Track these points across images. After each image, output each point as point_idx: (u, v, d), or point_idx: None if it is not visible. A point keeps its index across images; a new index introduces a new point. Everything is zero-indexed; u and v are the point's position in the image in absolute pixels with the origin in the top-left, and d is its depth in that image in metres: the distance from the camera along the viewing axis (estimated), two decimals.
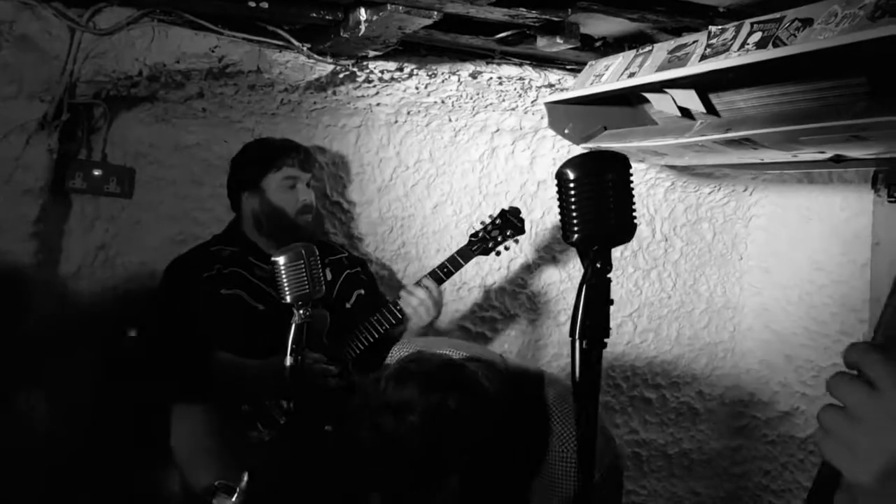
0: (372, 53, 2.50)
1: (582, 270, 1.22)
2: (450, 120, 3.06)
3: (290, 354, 1.71)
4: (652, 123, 2.67)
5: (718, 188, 3.51)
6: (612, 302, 1.22)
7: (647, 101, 2.57)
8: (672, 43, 2.29)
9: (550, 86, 2.83)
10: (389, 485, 1.49)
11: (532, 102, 2.95)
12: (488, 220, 2.70)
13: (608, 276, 1.21)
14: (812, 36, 1.83)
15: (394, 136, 3.08)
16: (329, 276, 2.64)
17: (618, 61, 2.47)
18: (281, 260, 1.72)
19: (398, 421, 1.45)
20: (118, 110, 2.69)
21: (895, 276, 0.89)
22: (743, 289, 3.68)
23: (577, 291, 1.21)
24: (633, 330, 3.56)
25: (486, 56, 2.72)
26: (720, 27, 2.12)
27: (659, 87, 2.33)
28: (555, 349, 3.40)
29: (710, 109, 2.36)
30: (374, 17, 2.12)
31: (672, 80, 2.22)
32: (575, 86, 2.65)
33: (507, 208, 2.73)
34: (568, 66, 2.79)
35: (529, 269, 3.36)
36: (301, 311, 1.72)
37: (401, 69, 2.66)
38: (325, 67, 2.58)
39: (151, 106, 2.72)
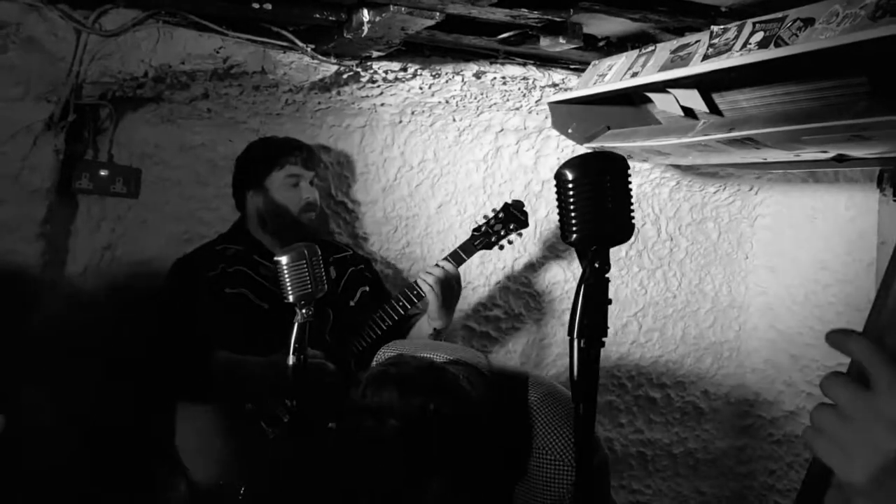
0: (376, 54, 2.52)
1: (578, 268, 1.24)
2: (454, 120, 3.07)
3: (293, 353, 1.73)
4: (655, 123, 2.68)
5: (724, 187, 3.51)
6: (610, 301, 1.23)
7: (650, 100, 2.58)
8: (675, 43, 2.29)
9: (554, 85, 2.84)
10: (373, 487, 1.48)
11: (536, 102, 2.96)
12: (491, 214, 2.69)
13: (606, 275, 1.22)
14: (813, 36, 1.83)
15: (398, 136, 3.09)
16: (333, 274, 2.65)
17: (621, 61, 2.48)
18: (283, 259, 1.73)
19: (379, 424, 1.44)
20: (124, 111, 2.71)
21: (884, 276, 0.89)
22: (748, 288, 3.68)
23: (575, 291, 1.22)
24: (638, 329, 3.56)
25: (490, 56, 2.73)
26: (722, 27, 2.13)
27: (662, 86, 2.34)
28: (559, 348, 3.41)
29: (714, 109, 2.36)
30: (377, 18, 2.13)
31: (675, 79, 2.23)
32: (578, 86, 2.66)
33: (509, 202, 2.71)
34: (572, 66, 2.80)
35: (534, 268, 3.37)
36: (303, 311, 1.74)
37: (405, 69, 2.67)
38: (329, 68, 2.59)
39: (157, 107, 2.73)
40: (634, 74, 2.36)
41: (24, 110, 2.46)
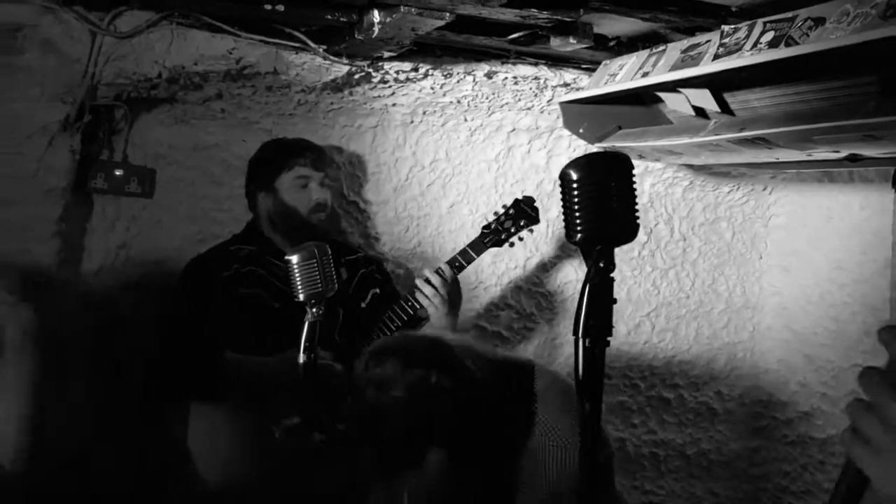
0: (387, 54, 2.53)
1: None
2: (465, 120, 3.07)
3: (303, 352, 1.74)
4: (666, 123, 2.67)
5: (737, 187, 3.50)
6: (615, 301, 1.23)
7: (661, 100, 2.57)
8: (685, 42, 2.29)
9: (566, 85, 2.84)
10: (377, 457, 1.52)
11: (548, 102, 2.96)
12: (501, 211, 2.68)
13: (611, 275, 1.22)
14: (824, 35, 1.83)
15: (410, 136, 3.10)
16: (345, 276, 2.66)
17: (632, 61, 2.48)
18: (294, 259, 1.75)
19: (381, 395, 1.48)
20: (138, 112, 2.74)
21: None
22: (762, 288, 3.66)
23: (580, 290, 1.22)
24: (651, 330, 3.56)
25: (502, 56, 2.73)
26: (733, 27, 2.12)
27: (673, 86, 2.34)
28: (571, 348, 3.39)
29: (725, 108, 2.35)
30: (388, 19, 2.15)
31: (686, 79, 2.23)
32: (589, 85, 2.66)
33: (520, 197, 2.70)
34: (583, 66, 2.80)
35: (545, 267, 3.37)
36: (314, 310, 1.75)
37: (416, 69, 2.68)
38: (340, 68, 2.60)
39: (171, 107, 2.76)
40: (645, 74, 2.36)
41: (41, 111, 2.49)
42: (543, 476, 1.64)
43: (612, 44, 2.55)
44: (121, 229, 2.83)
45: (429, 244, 3.21)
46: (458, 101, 2.93)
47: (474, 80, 2.78)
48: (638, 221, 1.23)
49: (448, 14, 2.06)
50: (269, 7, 2.24)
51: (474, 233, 2.73)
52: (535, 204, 2.70)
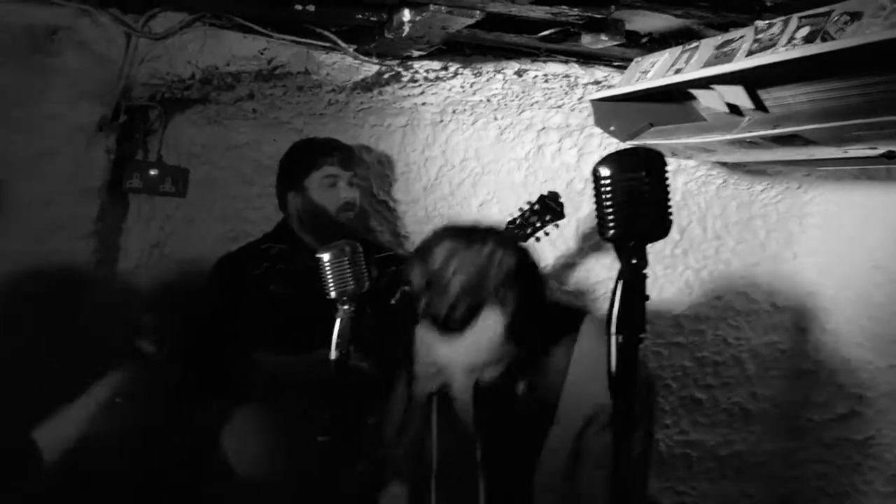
0: (417, 53, 2.53)
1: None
2: (495, 118, 3.07)
3: (335, 350, 1.75)
4: (699, 120, 2.64)
5: (772, 185, 3.45)
6: (648, 297, 1.23)
7: (693, 97, 2.55)
8: (718, 38, 2.26)
9: (597, 83, 2.83)
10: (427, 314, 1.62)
11: (579, 100, 2.94)
12: (526, 206, 2.68)
13: (644, 271, 1.23)
14: (861, 30, 1.80)
15: (439, 135, 3.11)
16: (374, 273, 2.66)
17: (664, 57, 2.45)
18: (325, 256, 1.75)
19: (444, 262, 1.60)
20: (172, 112, 2.77)
21: None
22: (797, 288, 3.61)
23: (613, 287, 1.23)
24: (683, 330, 3.52)
25: (532, 54, 2.72)
26: (767, 22, 2.09)
27: (706, 83, 2.31)
28: None
29: (759, 105, 2.32)
30: (418, 18, 2.15)
31: (719, 75, 2.20)
32: (621, 83, 2.64)
33: (545, 193, 2.69)
34: (614, 63, 2.78)
35: (576, 267, 3.35)
36: (345, 307, 1.76)
37: (446, 68, 2.68)
38: (370, 68, 2.61)
39: (204, 108, 2.79)
40: (678, 71, 2.34)
41: (77, 112, 2.53)
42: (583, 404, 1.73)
43: (643, 41, 2.52)
44: (155, 228, 2.87)
45: None
46: (488, 100, 2.93)
47: (504, 78, 2.77)
48: (671, 218, 1.23)
49: (478, 12, 2.06)
50: (299, 7, 2.26)
51: None
52: (560, 199, 2.69)
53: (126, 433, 2.74)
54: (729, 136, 2.35)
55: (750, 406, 3.61)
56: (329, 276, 1.76)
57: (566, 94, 2.90)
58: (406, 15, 2.17)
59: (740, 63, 2.10)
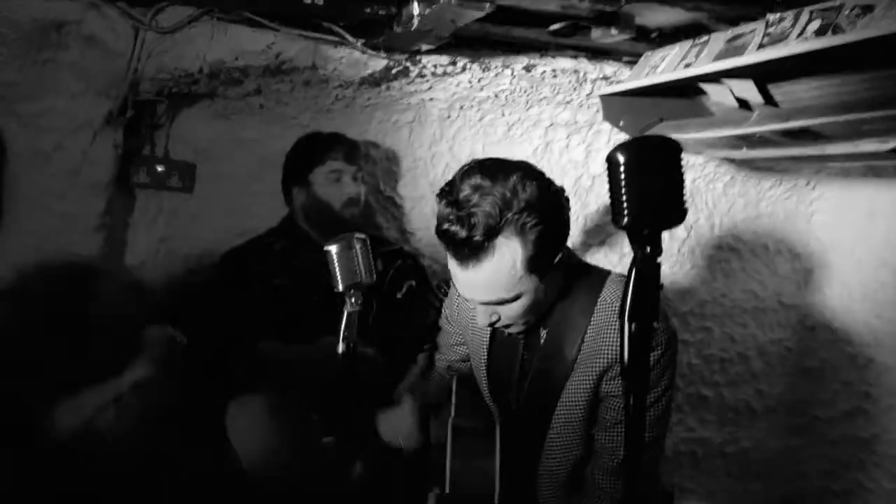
0: (425, 47, 2.52)
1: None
2: (503, 114, 3.06)
3: (342, 341, 1.75)
4: (709, 115, 2.64)
5: (779, 183, 3.44)
6: (662, 286, 1.25)
7: (703, 92, 2.54)
8: (729, 32, 2.26)
9: (605, 78, 2.82)
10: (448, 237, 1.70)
11: (587, 96, 2.93)
12: None
13: (657, 260, 1.24)
14: (872, 23, 1.79)
15: (446, 131, 3.10)
16: (380, 267, 2.67)
17: (674, 52, 2.45)
18: (333, 248, 1.75)
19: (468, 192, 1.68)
20: (180, 107, 2.77)
21: None
22: (803, 285, 3.60)
23: (626, 275, 1.25)
24: (690, 327, 3.52)
25: (540, 49, 2.72)
26: (778, 15, 2.09)
27: (716, 77, 2.31)
28: None
29: (769, 100, 2.32)
30: (427, 11, 2.14)
31: (729, 69, 2.19)
32: (630, 77, 2.63)
33: None
34: (623, 58, 2.77)
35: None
36: (353, 299, 1.75)
37: (454, 63, 2.67)
38: (378, 63, 2.61)
39: (211, 102, 2.78)
40: (688, 65, 2.33)
41: (85, 106, 2.52)
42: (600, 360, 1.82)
43: (653, 35, 2.51)
44: (162, 223, 2.86)
45: None
46: (496, 96, 2.92)
47: (512, 73, 2.76)
48: (686, 206, 1.23)
49: (489, 4, 2.05)
50: (308, 1, 2.25)
51: None
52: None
53: (133, 425, 2.76)
54: (739, 131, 2.34)
55: (756, 403, 3.61)
56: (337, 269, 1.76)
57: (574, 89, 2.89)
58: (415, 8, 2.16)
59: (751, 57, 2.09)
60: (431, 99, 2.91)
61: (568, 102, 2.99)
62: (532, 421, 1.94)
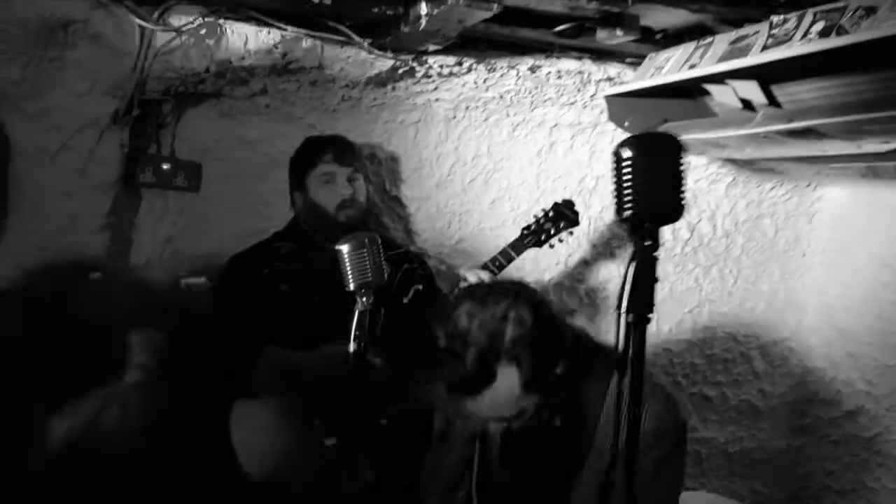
0: (432, 48, 2.54)
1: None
2: (508, 115, 3.07)
3: (354, 341, 1.75)
4: (712, 115, 2.65)
5: (781, 183, 3.46)
6: (657, 280, 1.29)
7: (707, 93, 2.56)
8: (733, 34, 2.27)
9: (609, 79, 2.83)
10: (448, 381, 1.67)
11: (591, 97, 2.95)
12: (541, 213, 2.72)
13: (655, 253, 1.29)
14: (875, 24, 1.81)
15: (452, 132, 3.11)
16: (387, 271, 2.66)
17: (678, 53, 2.46)
18: (345, 248, 1.75)
19: (471, 320, 1.65)
20: (186, 106, 2.77)
21: None
22: (805, 286, 3.61)
23: (625, 267, 1.29)
24: (693, 326, 3.53)
25: (545, 50, 2.73)
26: (782, 17, 2.10)
27: (720, 78, 2.32)
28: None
29: (772, 101, 2.34)
30: (435, 11, 2.15)
31: (734, 70, 2.21)
32: (635, 78, 2.65)
33: (559, 201, 2.73)
34: (627, 60, 2.79)
35: (587, 264, 3.35)
36: (364, 299, 1.76)
37: (460, 64, 2.69)
38: (384, 63, 2.62)
39: (217, 102, 2.79)
40: (692, 66, 2.35)
41: (91, 105, 2.53)
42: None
43: (657, 37, 2.53)
44: (168, 223, 2.86)
45: (470, 240, 3.21)
46: (501, 97, 2.93)
47: (518, 74, 2.78)
48: (685, 202, 1.29)
49: (496, 5, 2.06)
50: (316, 0, 2.26)
51: (515, 229, 2.75)
52: (575, 207, 2.73)
53: (133, 430, 2.76)
54: (744, 131, 2.36)
55: (759, 403, 3.62)
56: (348, 268, 1.76)
57: (579, 90, 2.90)
58: (423, 8, 2.18)
59: (756, 58, 2.11)
60: (437, 99, 2.92)
61: (572, 103, 3.01)
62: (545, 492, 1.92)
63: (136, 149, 2.73)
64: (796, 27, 2.05)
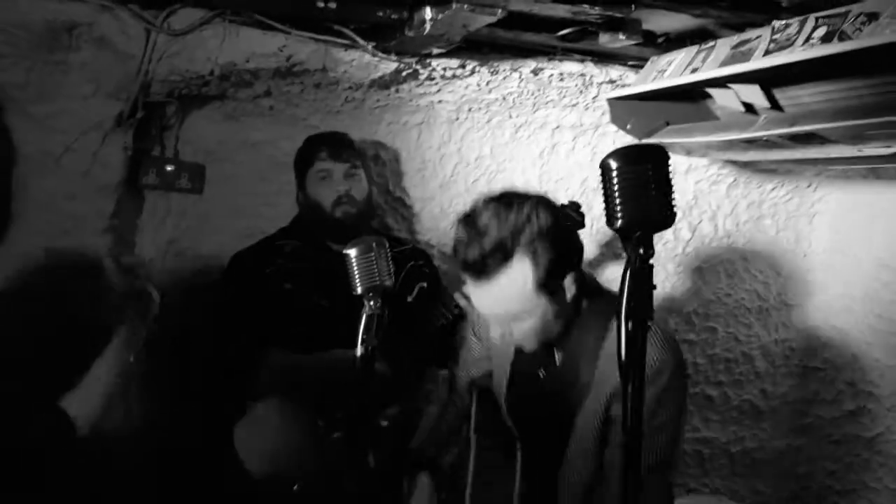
0: (435, 51, 2.54)
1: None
2: (510, 116, 3.08)
3: (361, 344, 1.76)
4: (714, 119, 2.66)
5: (782, 184, 3.47)
6: (654, 287, 1.31)
7: (709, 96, 2.57)
8: (735, 38, 2.28)
9: (612, 82, 2.84)
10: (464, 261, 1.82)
11: (593, 99, 2.96)
12: None
13: (650, 261, 1.32)
14: (878, 30, 1.82)
15: (455, 133, 3.12)
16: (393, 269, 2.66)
17: (680, 57, 2.47)
18: (352, 252, 1.76)
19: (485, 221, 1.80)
20: (190, 108, 2.78)
21: None
22: (807, 286, 3.63)
23: (622, 276, 1.31)
24: (694, 327, 3.54)
25: (548, 52, 2.74)
26: (784, 22, 2.11)
27: (722, 82, 2.33)
28: None
29: (774, 104, 2.34)
30: (440, 16, 2.15)
31: (736, 75, 2.22)
32: (637, 81, 2.66)
33: (566, 202, 2.73)
34: (629, 62, 2.79)
35: (590, 265, 3.36)
36: (371, 302, 1.77)
37: (463, 66, 2.70)
38: (388, 65, 2.62)
39: (221, 104, 2.79)
40: (694, 70, 2.35)
41: (95, 107, 2.53)
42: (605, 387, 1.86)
43: (660, 40, 2.54)
44: (171, 225, 2.87)
45: None
46: (504, 98, 2.94)
47: (520, 76, 2.79)
48: (675, 209, 1.32)
49: (500, 10, 2.07)
50: (321, 4, 2.27)
51: None
52: (581, 209, 2.73)
53: (137, 426, 2.77)
54: (746, 135, 2.37)
55: (760, 403, 3.63)
56: (356, 272, 1.77)
57: (581, 92, 2.91)
58: (428, 13, 2.18)
59: (758, 63, 2.12)
60: (440, 101, 2.93)
61: (574, 105, 3.02)
62: (550, 441, 1.98)
63: (140, 151, 2.74)
64: (798, 32, 2.05)
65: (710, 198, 3.46)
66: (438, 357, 2.64)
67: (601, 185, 1.32)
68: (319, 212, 2.62)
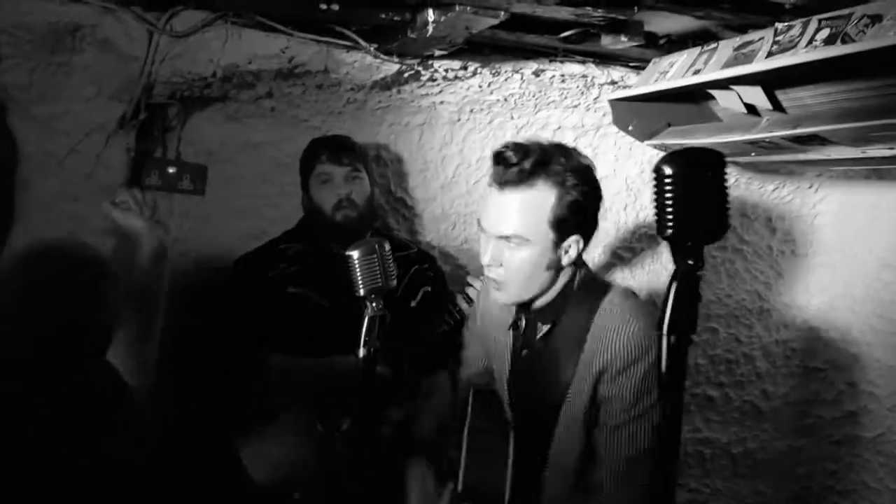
0: (438, 53, 2.55)
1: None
2: (512, 118, 3.08)
3: (363, 346, 1.76)
4: (716, 120, 2.66)
5: (783, 185, 3.47)
6: (700, 298, 1.25)
7: (711, 97, 2.57)
8: (738, 40, 2.28)
9: (613, 83, 2.84)
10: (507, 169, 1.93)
11: (594, 100, 2.96)
12: None
13: (699, 273, 1.24)
14: (881, 33, 1.82)
15: (457, 134, 3.12)
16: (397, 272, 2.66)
17: (683, 58, 2.47)
18: (355, 254, 1.76)
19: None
20: (192, 110, 2.77)
21: None
22: (808, 286, 3.63)
23: (667, 286, 1.24)
24: (696, 327, 3.54)
25: (549, 54, 2.74)
26: (787, 24, 2.11)
27: (725, 83, 2.33)
28: None
29: (777, 106, 2.34)
30: (442, 18, 2.15)
31: (738, 76, 2.22)
32: (639, 82, 2.66)
33: None
34: (631, 64, 2.80)
35: (599, 274, 3.36)
36: (374, 304, 1.77)
37: (465, 68, 2.70)
38: (390, 67, 2.63)
39: (223, 105, 2.79)
40: (697, 72, 2.36)
41: (98, 109, 2.54)
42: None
43: (662, 42, 2.54)
44: (173, 226, 2.85)
45: (475, 241, 3.19)
46: (505, 100, 2.94)
47: (522, 78, 2.79)
48: (729, 219, 1.23)
49: (503, 12, 2.07)
50: (324, 6, 2.27)
51: None
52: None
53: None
54: (748, 137, 2.37)
55: (761, 404, 3.64)
56: (358, 274, 1.77)
57: (582, 94, 2.91)
58: (430, 15, 2.18)
59: (761, 64, 2.12)
60: (442, 102, 2.93)
61: (575, 106, 3.02)
62: (542, 420, 1.99)
63: (142, 152, 2.73)
64: (801, 34, 2.05)
65: None
66: (441, 360, 2.64)
67: (653, 191, 1.23)
68: (321, 215, 2.62)
